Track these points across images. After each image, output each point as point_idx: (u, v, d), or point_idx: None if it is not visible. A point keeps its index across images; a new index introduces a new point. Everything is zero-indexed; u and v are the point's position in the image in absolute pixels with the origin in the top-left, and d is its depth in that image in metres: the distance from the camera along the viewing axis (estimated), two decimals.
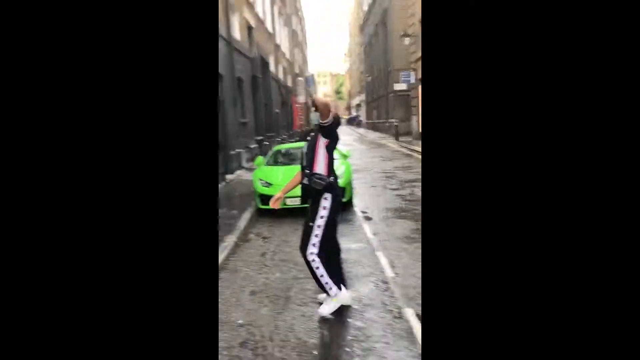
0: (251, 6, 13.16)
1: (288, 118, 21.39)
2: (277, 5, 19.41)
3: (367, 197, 6.34)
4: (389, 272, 3.28)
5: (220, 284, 3.31)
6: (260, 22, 15.29)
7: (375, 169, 9.39)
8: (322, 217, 2.53)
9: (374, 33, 28.28)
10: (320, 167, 2.55)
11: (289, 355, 2.20)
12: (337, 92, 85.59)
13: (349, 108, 63.37)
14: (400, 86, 17.68)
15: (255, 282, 3.31)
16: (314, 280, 2.88)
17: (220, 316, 2.73)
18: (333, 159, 2.63)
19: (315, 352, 2.22)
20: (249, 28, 13.19)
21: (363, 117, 40.60)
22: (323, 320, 2.56)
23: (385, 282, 3.10)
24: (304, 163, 2.64)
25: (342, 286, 2.66)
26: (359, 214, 5.21)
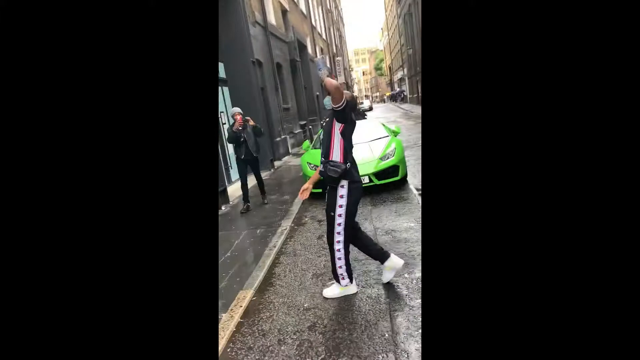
0: None
1: None
2: None
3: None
4: None
5: (281, 267, 3.35)
6: (294, 4, 15.10)
7: None
8: (341, 206, 2.48)
9: (413, 1, 26.95)
10: (336, 154, 2.46)
11: (360, 338, 2.16)
12: (377, 68, 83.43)
13: (391, 84, 61.56)
14: None
15: (316, 265, 3.31)
16: (375, 261, 2.83)
17: (286, 300, 2.76)
18: (351, 144, 2.50)
19: (387, 335, 2.16)
20: (284, 12, 13.06)
21: (407, 92, 39.38)
22: (393, 302, 2.49)
23: None
24: (322, 150, 2.57)
25: (389, 252, 2.69)
26: (414, 192, 5.03)
